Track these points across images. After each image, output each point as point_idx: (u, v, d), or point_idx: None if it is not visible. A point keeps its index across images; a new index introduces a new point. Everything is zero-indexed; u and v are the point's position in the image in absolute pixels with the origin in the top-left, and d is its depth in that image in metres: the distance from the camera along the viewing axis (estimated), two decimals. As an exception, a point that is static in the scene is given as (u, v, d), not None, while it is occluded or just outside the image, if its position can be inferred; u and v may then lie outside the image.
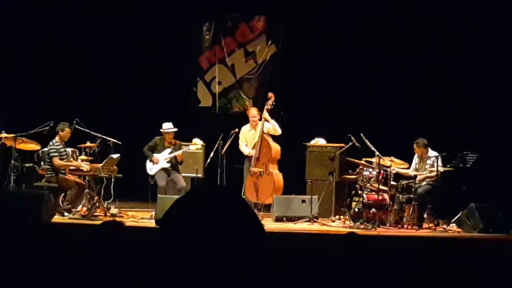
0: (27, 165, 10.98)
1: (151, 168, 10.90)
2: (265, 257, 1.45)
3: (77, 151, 11.07)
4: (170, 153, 10.86)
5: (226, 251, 1.39)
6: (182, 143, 11.08)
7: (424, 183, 10.33)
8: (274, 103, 11.16)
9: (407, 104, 12.66)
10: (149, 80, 13.72)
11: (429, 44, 12.61)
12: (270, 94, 11.25)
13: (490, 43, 12.23)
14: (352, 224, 10.04)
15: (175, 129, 10.96)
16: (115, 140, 10.87)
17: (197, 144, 11.22)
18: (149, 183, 10.90)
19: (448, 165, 10.34)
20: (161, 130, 10.97)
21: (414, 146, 10.51)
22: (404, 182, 10.37)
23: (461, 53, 12.25)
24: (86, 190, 10.39)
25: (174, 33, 13.85)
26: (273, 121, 11.15)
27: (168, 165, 10.86)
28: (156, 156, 10.84)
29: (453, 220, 10.21)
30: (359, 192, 10.35)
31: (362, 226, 9.82)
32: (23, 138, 10.65)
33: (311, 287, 5.49)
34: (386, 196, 10.12)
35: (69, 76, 13.47)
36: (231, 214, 1.44)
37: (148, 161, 10.93)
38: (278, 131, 11.16)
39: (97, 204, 10.34)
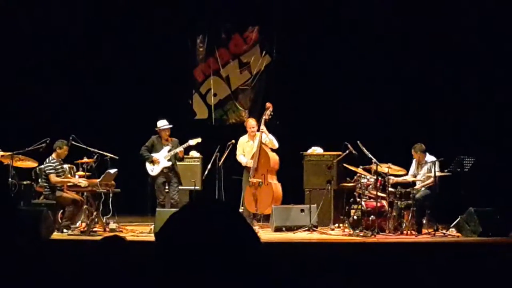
0: (24, 182, 10.97)
1: (152, 169, 10.85)
2: (262, 268, 1.45)
3: (74, 167, 11.06)
4: (169, 150, 10.83)
5: (223, 264, 1.40)
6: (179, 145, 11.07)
7: (422, 188, 10.35)
8: (272, 113, 11.16)
9: (405, 110, 12.70)
10: (145, 94, 13.74)
11: (426, 48, 12.67)
12: (268, 104, 11.25)
13: (489, 45, 12.26)
14: (351, 232, 10.04)
15: (171, 126, 10.93)
16: (112, 155, 10.86)
17: (197, 139, 11.08)
18: (152, 196, 10.86)
19: (446, 170, 10.35)
20: (156, 128, 10.93)
21: (412, 151, 10.54)
22: (402, 190, 10.36)
23: (461, 54, 12.33)
24: (85, 206, 10.36)
25: (168, 47, 13.89)
26: (270, 136, 11.12)
27: (169, 163, 10.80)
28: (155, 156, 10.80)
29: (452, 225, 10.21)
30: (358, 199, 10.35)
31: (361, 234, 9.82)
32: (20, 155, 10.64)
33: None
34: (384, 203, 10.12)
35: (65, 93, 13.50)
36: (226, 227, 1.44)
37: (147, 162, 10.87)
38: (275, 145, 11.13)
39: (96, 219, 10.32)
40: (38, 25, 13.38)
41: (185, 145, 10.88)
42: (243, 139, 11.35)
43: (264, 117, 11.12)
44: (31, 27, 13.36)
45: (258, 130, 11.15)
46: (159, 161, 10.78)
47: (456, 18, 12.37)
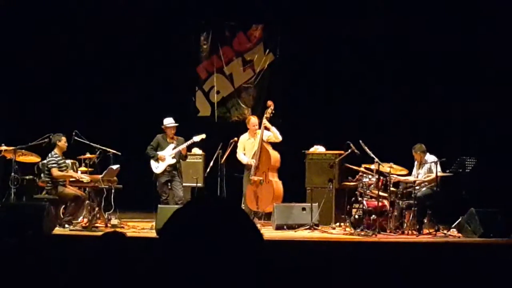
0: (27, 177, 10.99)
1: (156, 167, 10.89)
2: (265, 266, 1.46)
3: (77, 162, 11.09)
4: (174, 148, 10.87)
5: (225, 261, 1.41)
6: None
7: (423, 188, 10.35)
8: (273, 111, 11.17)
9: (407, 109, 12.69)
10: (148, 91, 13.75)
11: (427, 48, 12.67)
12: (270, 102, 11.27)
13: (489, 42, 12.25)
14: (352, 231, 10.05)
15: (177, 124, 10.98)
16: (114, 151, 10.88)
17: (201, 135, 11.06)
18: (154, 193, 10.88)
19: (448, 170, 10.35)
20: (162, 126, 10.98)
21: (412, 152, 10.54)
22: (403, 188, 10.37)
23: (459, 55, 12.32)
24: (87, 202, 10.38)
25: (172, 44, 13.90)
26: (273, 128, 11.16)
27: (174, 160, 10.85)
28: (161, 153, 10.85)
29: (453, 225, 10.21)
30: (359, 199, 10.35)
31: (362, 233, 9.83)
32: (23, 150, 10.67)
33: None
34: (386, 202, 10.12)
35: (68, 89, 13.53)
36: (229, 224, 1.45)
37: (152, 161, 10.91)
38: (278, 137, 11.17)
39: (98, 215, 10.34)
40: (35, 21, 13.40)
41: (189, 142, 10.92)
42: (244, 137, 11.36)
43: (265, 115, 11.13)
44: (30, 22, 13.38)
45: (259, 128, 11.17)
46: (165, 158, 10.82)
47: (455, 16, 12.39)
